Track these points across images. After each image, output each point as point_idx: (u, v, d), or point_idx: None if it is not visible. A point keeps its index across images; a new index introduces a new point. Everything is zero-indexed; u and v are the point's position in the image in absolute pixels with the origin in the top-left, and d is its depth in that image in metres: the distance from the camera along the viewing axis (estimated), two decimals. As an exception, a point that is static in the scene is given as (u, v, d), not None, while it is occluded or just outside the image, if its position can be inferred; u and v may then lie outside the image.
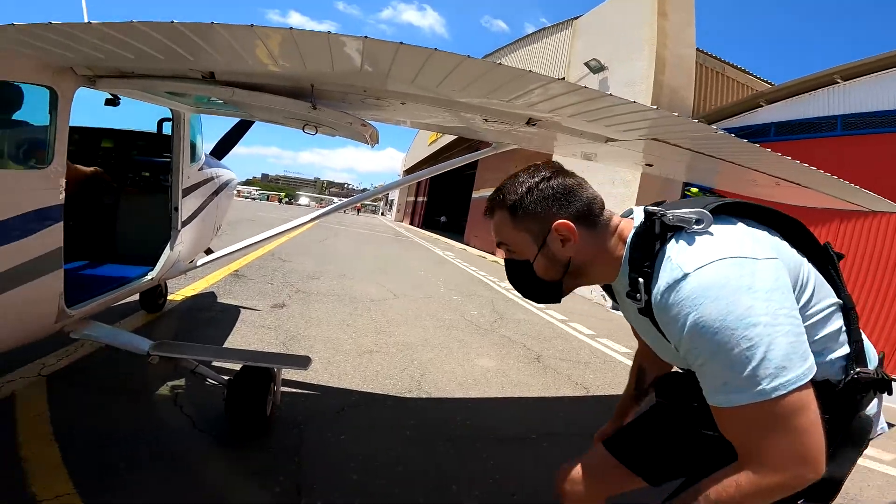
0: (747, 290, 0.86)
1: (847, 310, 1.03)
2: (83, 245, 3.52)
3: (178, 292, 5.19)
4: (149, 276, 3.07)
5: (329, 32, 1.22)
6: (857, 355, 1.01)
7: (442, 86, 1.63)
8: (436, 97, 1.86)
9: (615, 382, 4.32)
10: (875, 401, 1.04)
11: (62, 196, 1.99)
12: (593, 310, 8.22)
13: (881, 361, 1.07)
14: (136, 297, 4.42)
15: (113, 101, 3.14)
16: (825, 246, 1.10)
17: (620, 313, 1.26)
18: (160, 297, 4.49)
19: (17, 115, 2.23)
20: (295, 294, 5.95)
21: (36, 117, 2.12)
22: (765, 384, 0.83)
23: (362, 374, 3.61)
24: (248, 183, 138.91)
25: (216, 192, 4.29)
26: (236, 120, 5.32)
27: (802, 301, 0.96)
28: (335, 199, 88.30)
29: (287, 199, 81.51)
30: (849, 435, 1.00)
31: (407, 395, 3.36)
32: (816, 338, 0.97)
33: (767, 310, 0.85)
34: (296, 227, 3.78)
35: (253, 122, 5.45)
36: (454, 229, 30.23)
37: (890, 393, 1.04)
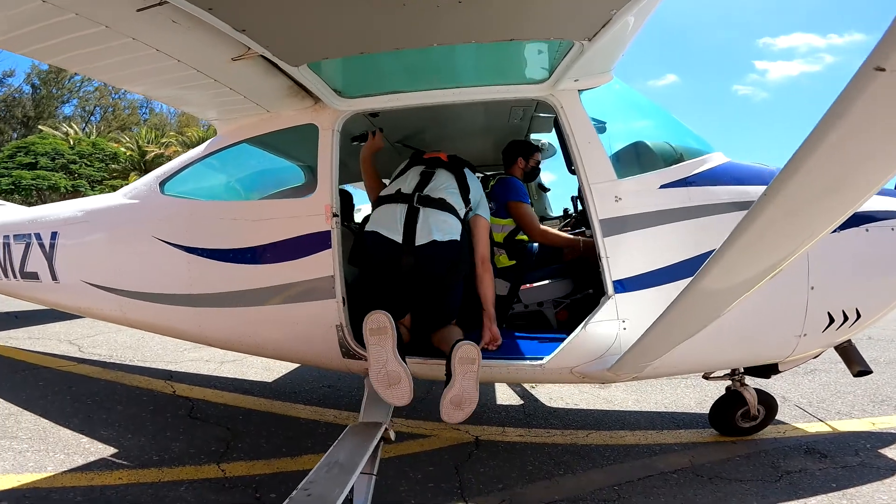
0: None
1: None
2: None
3: (831, 422, 2.92)
4: (536, 363, 2.13)
5: None
6: None
7: None
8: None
9: None
10: None
11: (329, 223, 2.28)
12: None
13: None
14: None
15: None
16: None
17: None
18: (750, 418, 2.66)
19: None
20: None
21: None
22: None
23: None
24: None
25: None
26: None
27: None
28: None
29: None
30: None
31: None
32: None
33: None
34: None
35: None
36: None
37: None
